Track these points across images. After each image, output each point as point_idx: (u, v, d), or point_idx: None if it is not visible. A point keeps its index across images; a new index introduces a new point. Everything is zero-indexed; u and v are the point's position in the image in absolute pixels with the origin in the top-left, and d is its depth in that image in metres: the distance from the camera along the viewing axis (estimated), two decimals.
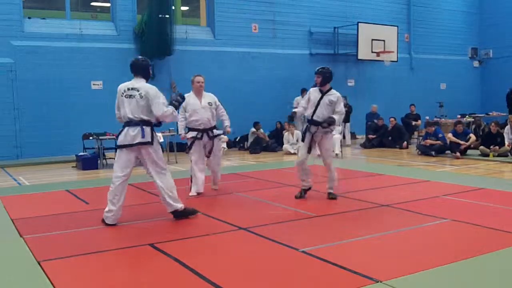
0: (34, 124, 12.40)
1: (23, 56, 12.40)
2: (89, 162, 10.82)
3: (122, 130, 5.53)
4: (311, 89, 6.77)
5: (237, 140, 14.47)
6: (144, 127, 5.40)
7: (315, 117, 6.54)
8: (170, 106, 5.50)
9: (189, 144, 7.13)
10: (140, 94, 5.40)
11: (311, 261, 4.12)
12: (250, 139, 13.84)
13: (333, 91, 6.63)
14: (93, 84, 13.22)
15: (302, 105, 6.81)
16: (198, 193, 7.08)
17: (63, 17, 13.56)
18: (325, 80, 6.56)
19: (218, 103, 7.35)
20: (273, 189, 7.57)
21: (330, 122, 6.49)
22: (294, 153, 12.66)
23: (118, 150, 5.64)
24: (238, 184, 8.06)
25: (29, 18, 13.08)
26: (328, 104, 6.52)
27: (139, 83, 5.49)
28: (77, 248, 4.61)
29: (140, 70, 5.56)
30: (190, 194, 7.05)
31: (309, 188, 6.91)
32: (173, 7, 14.05)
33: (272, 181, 8.26)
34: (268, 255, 4.37)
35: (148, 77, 5.62)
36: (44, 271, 4.00)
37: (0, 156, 11.90)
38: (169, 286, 3.71)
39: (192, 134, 7.12)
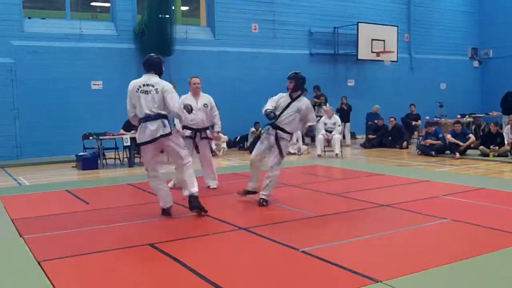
0: (34, 124, 12.41)
1: (23, 56, 12.40)
2: (89, 162, 10.82)
3: (139, 127, 5.62)
4: (283, 94, 6.49)
5: (237, 140, 14.47)
6: (163, 119, 5.54)
7: (278, 122, 6.32)
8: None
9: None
10: (156, 90, 5.50)
11: (311, 261, 4.12)
12: (250, 139, 13.85)
13: (303, 98, 6.46)
14: (93, 84, 13.22)
15: (271, 104, 6.44)
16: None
17: (63, 17, 13.56)
18: (297, 86, 6.38)
19: (213, 104, 7.54)
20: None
21: (309, 130, 6.45)
22: (294, 153, 12.68)
23: (141, 147, 5.85)
24: (238, 184, 8.04)
25: (29, 18, 13.08)
26: (296, 111, 6.32)
27: (153, 79, 5.61)
28: (77, 248, 4.61)
29: (153, 66, 5.70)
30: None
31: (254, 193, 6.63)
32: (173, 7, 14.04)
33: None
34: (268, 255, 4.37)
35: (161, 74, 5.73)
36: (44, 271, 4.00)
37: (0, 156, 11.90)
38: (169, 286, 3.71)
39: (186, 132, 7.28)
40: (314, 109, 14.95)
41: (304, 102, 6.41)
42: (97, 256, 4.42)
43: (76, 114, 12.78)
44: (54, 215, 6.10)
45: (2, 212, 6.32)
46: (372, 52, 16.50)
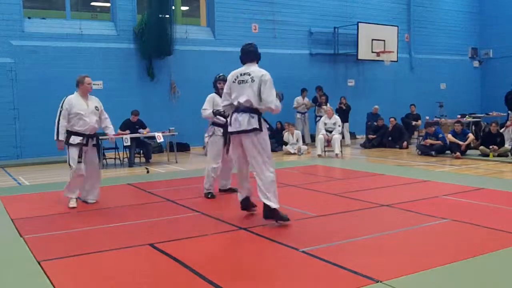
0: (34, 124, 12.38)
1: (23, 56, 12.40)
2: None
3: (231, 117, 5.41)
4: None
5: None
6: (252, 114, 5.22)
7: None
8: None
9: (70, 151, 6.62)
10: (252, 78, 5.20)
11: (311, 261, 4.12)
12: None
13: None
14: (93, 84, 13.18)
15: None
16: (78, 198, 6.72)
17: (63, 17, 13.55)
18: None
19: (102, 107, 6.89)
20: None
21: None
22: (294, 153, 12.67)
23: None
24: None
25: (29, 18, 13.08)
26: None
27: (251, 67, 5.31)
28: (77, 248, 4.61)
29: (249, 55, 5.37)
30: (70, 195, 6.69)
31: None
32: (173, 7, 14.04)
33: None
34: (268, 255, 4.37)
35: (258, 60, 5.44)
36: (44, 271, 4.00)
37: (0, 156, 11.90)
38: (169, 286, 3.71)
39: (77, 139, 6.54)
40: (314, 109, 15.02)
41: None
42: (97, 256, 4.41)
43: None
44: (54, 215, 6.10)
45: (2, 212, 6.32)
46: (372, 52, 16.48)
